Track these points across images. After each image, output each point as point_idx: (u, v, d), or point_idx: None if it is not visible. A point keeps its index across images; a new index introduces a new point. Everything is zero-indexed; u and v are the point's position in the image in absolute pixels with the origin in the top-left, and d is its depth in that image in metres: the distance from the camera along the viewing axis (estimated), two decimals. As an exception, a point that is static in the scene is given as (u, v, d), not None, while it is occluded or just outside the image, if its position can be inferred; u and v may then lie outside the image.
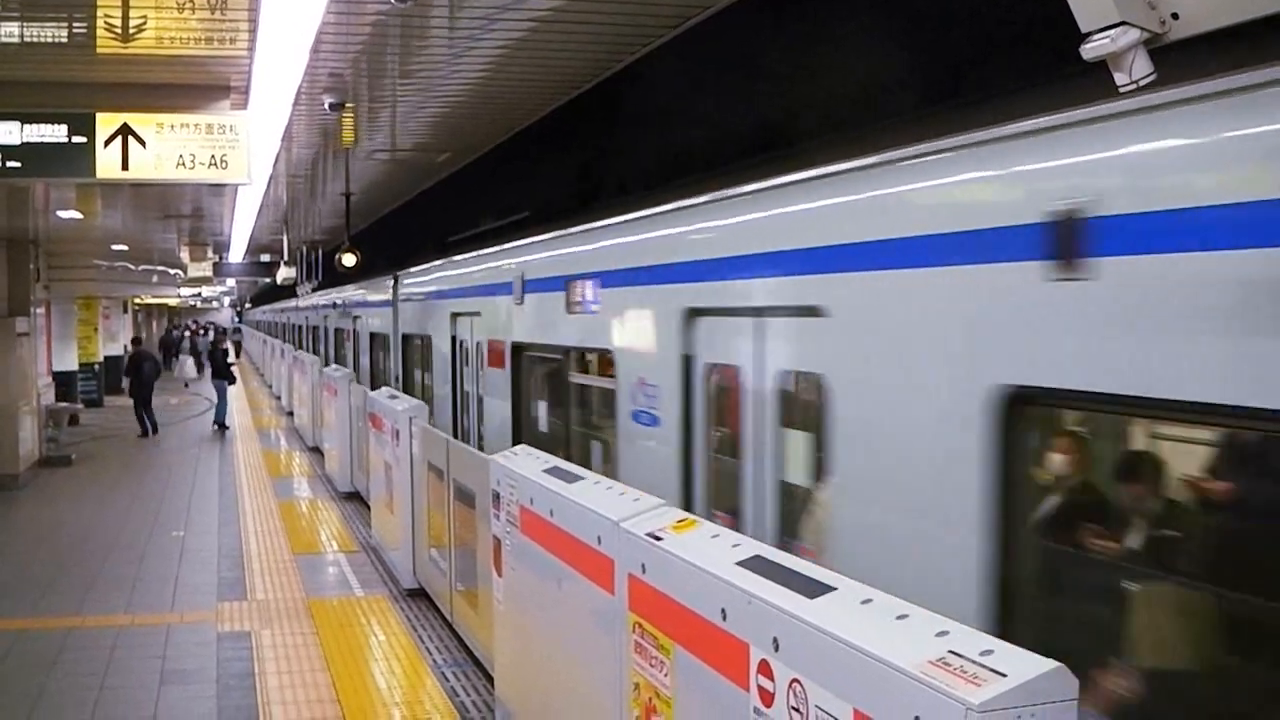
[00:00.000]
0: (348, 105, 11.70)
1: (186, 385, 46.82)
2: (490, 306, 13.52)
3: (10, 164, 9.66)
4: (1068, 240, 4.40)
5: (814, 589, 4.27)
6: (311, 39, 8.81)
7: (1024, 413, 4.82)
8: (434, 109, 12.40)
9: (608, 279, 9.76)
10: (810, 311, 6.41)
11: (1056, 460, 5.09)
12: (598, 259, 10.10)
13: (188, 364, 50.01)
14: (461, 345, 15.41)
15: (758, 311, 7.20)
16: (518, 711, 7.92)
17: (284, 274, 27.34)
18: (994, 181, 5.15)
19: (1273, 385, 3.63)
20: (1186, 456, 4.61)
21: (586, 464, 9.75)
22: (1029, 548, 4.95)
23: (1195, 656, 4.54)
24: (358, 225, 22.51)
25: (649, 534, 5.49)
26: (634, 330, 9.19)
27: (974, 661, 3.38)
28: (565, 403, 11.36)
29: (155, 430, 29.33)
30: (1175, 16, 3.58)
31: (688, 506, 7.88)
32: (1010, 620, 4.81)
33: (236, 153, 10.03)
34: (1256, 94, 3.66)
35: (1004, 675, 3.26)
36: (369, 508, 16.59)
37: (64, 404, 27.99)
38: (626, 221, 9.55)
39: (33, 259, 23.15)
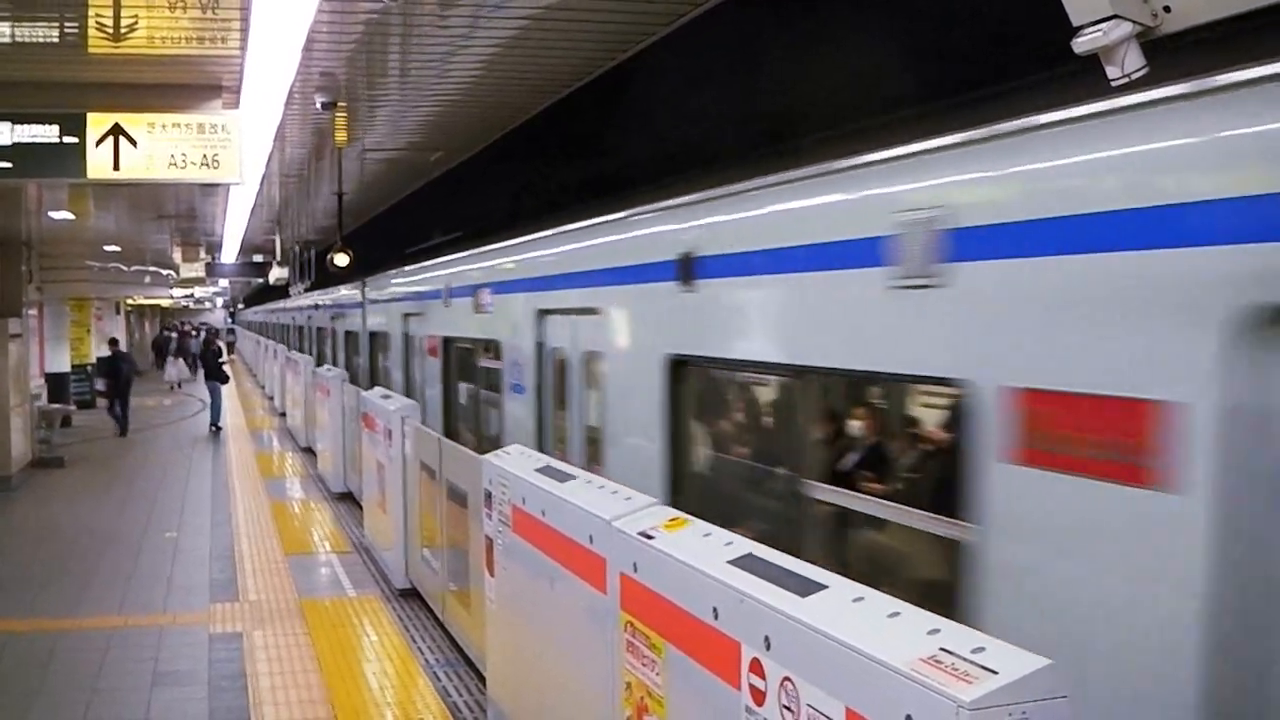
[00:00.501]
0: (340, 104, 11.69)
1: (178, 387, 46.36)
2: (429, 308, 17.16)
3: (1, 164, 9.64)
4: (686, 270, 7.92)
5: (805, 587, 4.27)
6: (303, 38, 8.79)
7: (678, 370, 8.24)
8: (426, 108, 12.40)
9: (497, 288, 13.21)
10: (592, 311, 9.91)
11: (695, 395, 8.44)
12: (492, 273, 13.48)
13: (175, 366, 49.51)
14: (410, 339, 18.93)
15: (571, 312, 10.61)
16: (510, 711, 7.91)
17: (277, 274, 27.31)
18: (650, 233, 8.93)
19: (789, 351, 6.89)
20: (759, 393, 8.42)
21: (489, 424, 14.02)
22: (685, 447, 8.44)
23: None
24: (351, 225, 22.52)
25: (641, 533, 5.48)
26: (511, 325, 12.47)
27: (965, 659, 3.37)
28: (476, 380, 14.95)
29: (125, 432, 29.34)
30: (1167, 10, 3.58)
31: (540, 448, 11.02)
32: (677, 490, 8.24)
33: (228, 152, 10.01)
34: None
35: (995, 672, 3.26)
36: (361, 508, 16.59)
37: (57, 405, 27.94)
38: (508, 245, 13.05)
39: (25, 260, 23.16)
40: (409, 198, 21.24)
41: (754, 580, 4.47)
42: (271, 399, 38.72)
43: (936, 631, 3.64)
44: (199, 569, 14.14)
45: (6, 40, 8.99)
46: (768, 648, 4.19)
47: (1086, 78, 4.16)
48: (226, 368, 34.47)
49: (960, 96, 6.19)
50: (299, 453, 26.02)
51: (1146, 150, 4.26)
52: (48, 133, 9.70)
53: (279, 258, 26.92)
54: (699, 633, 4.73)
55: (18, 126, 9.64)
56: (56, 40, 9.04)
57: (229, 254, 30.44)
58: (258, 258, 32.35)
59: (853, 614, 3.98)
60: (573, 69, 10.64)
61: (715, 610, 4.59)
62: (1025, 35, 6.11)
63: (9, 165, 9.67)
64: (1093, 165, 4.48)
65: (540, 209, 14.41)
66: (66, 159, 9.73)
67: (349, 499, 18.86)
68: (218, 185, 13.26)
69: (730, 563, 4.71)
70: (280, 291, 36.63)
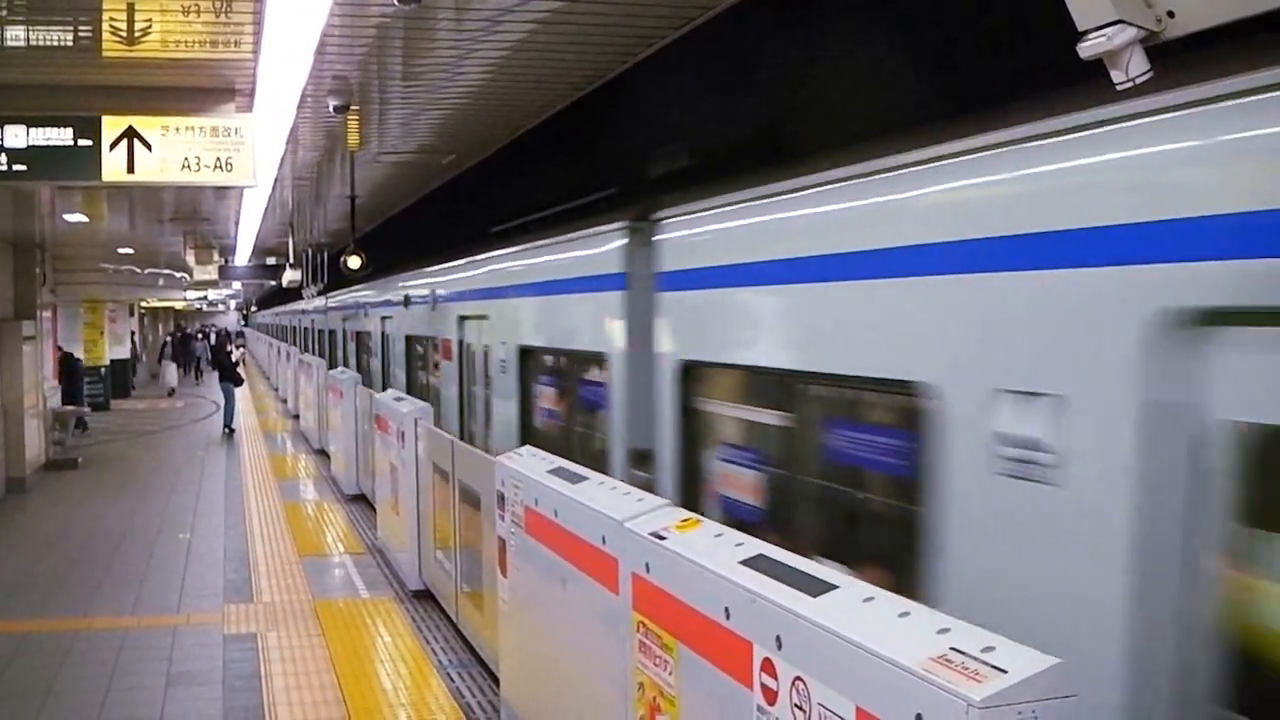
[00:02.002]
0: (352, 107, 11.71)
1: (171, 394, 45.88)
2: (397, 312, 21.73)
3: (16, 167, 9.68)
4: (524, 289, 12.44)
5: (816, 587, 4.29)
6: (316, 41, 8.82)
7: (528, 357, 12.32)
8: (439, 111, 12.42)
9: (438, 298, 17.58)
10: (485, 317, 14.35)
11: (533, 374, 12.50)
12: (435, 286, 17.81)
13: (169, 371, 48.92)
14: (386, 336, 23.68)
15: (475, 317, 15.06)
16: (523, 712, 7.93)
17: (290, 276, 27.34)
18: (518, 262, 13.12)
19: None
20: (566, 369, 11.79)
21: (435, 404, 16.39)
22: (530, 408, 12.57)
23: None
24: (364, 227, 22.56)
25: (653, 533, 5.51)
26: (445, 327, 16.87)
27: (975, 658, 3.39)
28: (429, 369, 19.27)
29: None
30: (1171, 15, 3.59)
31: (463, 422, 15.82)
32: (525, 436, 12.15)
33: (241, 155, 10.04)
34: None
35: (1005, 671, 3.28)
36: (375, 510, 16.64)
37: (70, 407, 28.00)
38: (446, 266, 17.34)
39: (39, 262, 23.21)
40: (422, 200, 21.25)
41: (765, 580, 4.49)
42: (285, 401, 38.78)
43: (946, 631, 3.66)
44: (213, 570, 14.19)
45: (21, 44, 9.02)
46: (779, 647, 4.21)
47: (1086, 85, 4.19)
48: (240, 370, 34.51)
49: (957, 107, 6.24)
50: (312, 455, 26.06)
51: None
52: (62, 136, 9.74)
53: (292, 260, 26.96)
54: (711, 633, 4.75)
55: (33, 129, 9.68)
56: (71, 44, 9.07)
57: (242, 256, 30.47)
58: (271, 260, 32.42)
59: (863, 614, 4.00)
60: (585, 72, 10.65)
61: (727, 610, 4.61)
62: (1025, 45, 6.15)
63: (24, 168, 9.71)
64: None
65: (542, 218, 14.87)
66: (81, 162, 9.76)
67: (362, 500, 18.90)
68: (231, 188, 13.30)
69: (742, 563, 4.73)
70: (293, 294, 36.99)
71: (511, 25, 9.06)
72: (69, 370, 31.02)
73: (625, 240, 9.33)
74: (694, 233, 8.32)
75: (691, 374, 8.24)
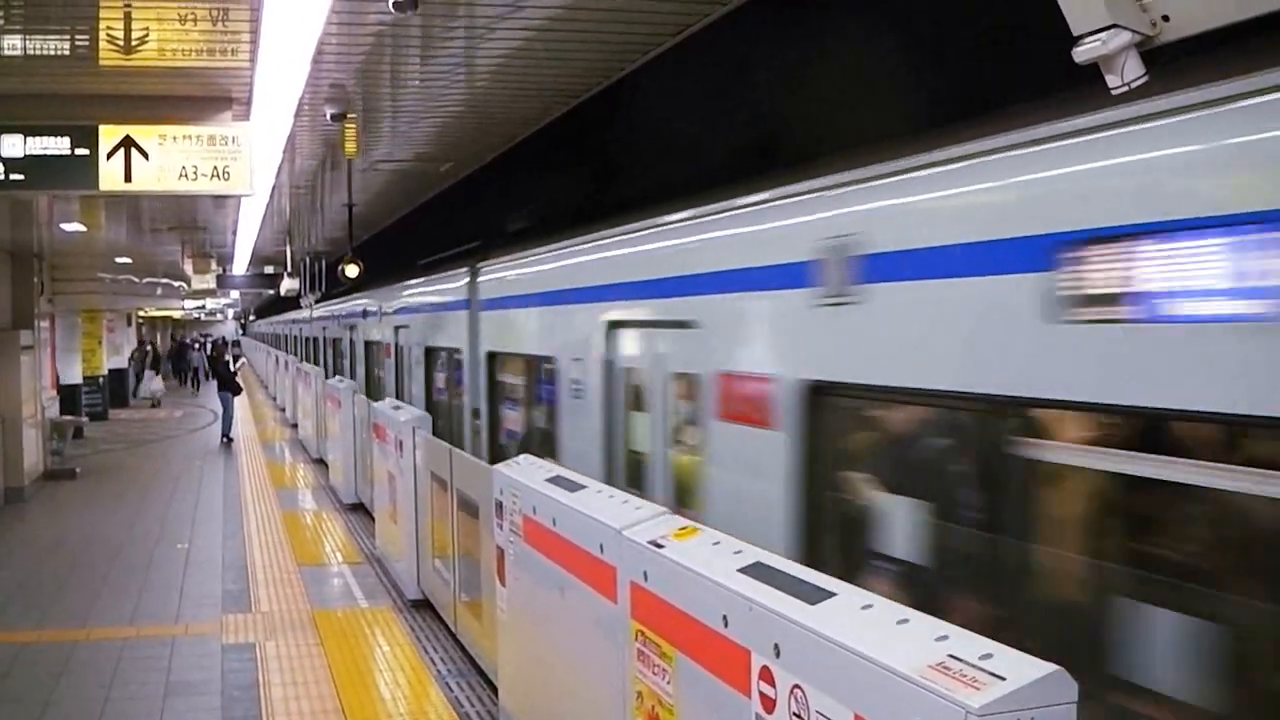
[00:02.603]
0: (349, 116, 11.71)
1: (155, 405, 45.57)
2: (360, 323, 26.96)
3: (14, 176, 9.67)
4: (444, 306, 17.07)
5: (814, 595, 4.29)
6: (313, 49, 8.82)
7: (493, 360, 14.31)
8: (436, 119, 12.42)
9: (382, 312, 23.12)
10: (408, 327, 19.71)
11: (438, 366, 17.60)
12: (381, 303, 23.29)
13: (154, 382, 48.48)
14: (352, 342, 28.71)
15: (403, 327, 20.48)
16: (522, 720, 7.95)
17: (288, 285, 27.36)
18: (421, 290, 19.48)
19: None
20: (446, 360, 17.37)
21: (400, 394, 20.41)
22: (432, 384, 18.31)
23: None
24: (361, 236, 22.56)
25: (651, 542, 5.50)
26: (383, 334, 22.70)
27: (973, 665, 3.39)
28: (384, 367, 23.07)
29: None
30: (1166, 19, 3.60)
31: (429, 408, 17.06)
32: (430, 402, 17.98)
33: (239, 164, 10.04)
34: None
35: (1003, 679, 3.28)
36: (373, 519, 16.62)
37: (68, 417, 27.98)
38: (388, 288, 22.64)
39: (36, 272, 23.21)
40: (420, 208, 21.27)
41: (763, 588, 4.49)
42: (283, 410, 38.78)
43: (945, 638, 3.65)
44: (211, 580, 14.17)
45: (18, 53, 9.02)
46: (777, 655, 4.21)
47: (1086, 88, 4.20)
48: (239, 378, 34.51)
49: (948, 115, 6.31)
50: (310, 464, 26.05)
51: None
52: (59, 145, 9.73)
53: (290, 269, 26.96)
54: (709, 641, 4.75)
55: (30, 139, 9.67)
56: (68, 53, 9.08)
57: (240, 265, 30.46)
58: (269, 269, 32.41)
59: (861, 621, 4.00)
60: (581, 80, 10.66)
61: (725, 618, 4.60)
62: (1019, 52, 6.18)
63: (21, 177, 9.70)
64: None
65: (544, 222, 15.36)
66: (78, 171, 9.75)
67: (360, 510, 18.88)
68: (228, 197, 13.30)
69: (740, 571, 4.73)
70: (290, 303, 37.48)
71: (507, 33, 9.07)
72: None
73: (468, 280, 15.38)
74: (490, 277, 14.51)
75: (493, 359, 14.38)
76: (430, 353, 18.23)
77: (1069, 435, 4.79)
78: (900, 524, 5.95)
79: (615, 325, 9.66)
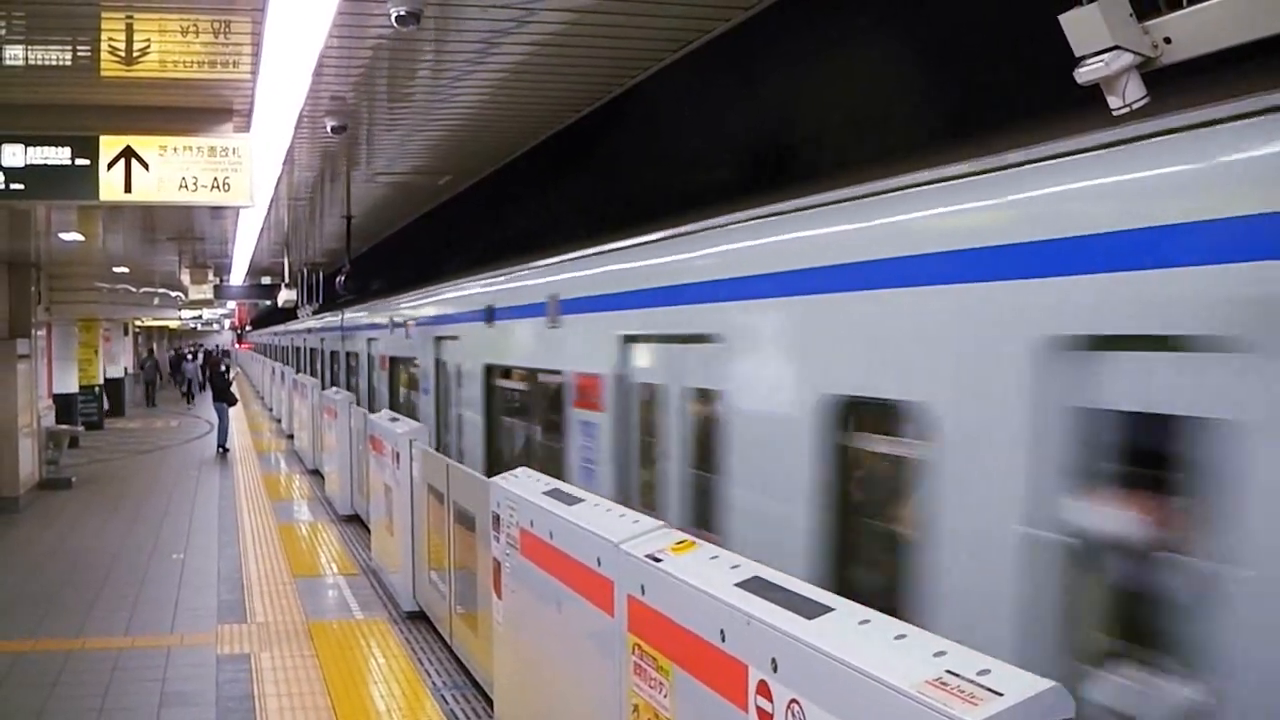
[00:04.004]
0: (349, 128, 11.73)
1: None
2: (351, 337, 27.20)
3: (14, 186, 9.68)
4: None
5: (812, 609, 4.29)
6: (314, 63, 8.85)
7: (394, 361, 20.63)
8: (434, 132, 12.44)
9: (356, 325, 25.52)
10: (377, 340, 22.74)
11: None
12: (354, 318, 25.97)
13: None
14: (348, 354, 28.36)
15: (374, 339, 23.02)
16: (517, 733, 7.96)
17: (285, 296, 27.40)
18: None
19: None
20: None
21: (396, 405, 20.51)
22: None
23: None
24: (360, 248, 22.58)
25: (649, 555, 5.51)
26: (358, 344, 25.43)
27: (971, 681, 3.40)
28: (378, 377, 23.28)
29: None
30: (1168, 41, 3.62)
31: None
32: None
33: (239, 175, 10.05)
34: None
35: (1000, 695, 3.28)
36: (369, 530, 16.62)
37: (64, 426, 27.93)
38: (363, 306, 25.20)
39: (34, 281, 23.21)
40: (417, 221, 21.28)
41: (761, 603, 4.49)
42: (279, 421, 38.78)
43: (943, 654, 3.66)
44: (207, 590, 14.16)
45: (20, 63, 9.04)
46: (775, 670, 4.21)
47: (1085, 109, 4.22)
48: (234, 389, 34.51)
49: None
50: (306, 475, 26.04)
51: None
52: (60, 155, 9.75)
53: (287, 280, 26.99)
54: (706, 655, 4.75)
55: (31, 148, 9.68)
56: (69, 63, 9.11)
57: (238, 276, 30.51)
58: (266, 280, 32.44)
59: (859, 636, 4.00)
60: (581, 94, 10.68)
61: (722, 633, 4.61)
62: (1023, 71, 6.20)
63: (22, 187, 9.71)
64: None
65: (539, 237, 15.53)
66: (79, 181, 9.77)
67: (356, 521, 18.87)
68: (227, 208, 13.32)
69: (737, 585, 4.73)
70: (287, 314, 37.97)
71: (508, 48, 9.10)
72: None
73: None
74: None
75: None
76: (395, 360, 21.39)
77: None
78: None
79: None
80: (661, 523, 6.15)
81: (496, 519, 8.16)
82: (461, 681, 10.38)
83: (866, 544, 6.23)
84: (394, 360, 21.39)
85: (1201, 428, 3.92)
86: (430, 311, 17.59)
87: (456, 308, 15.68)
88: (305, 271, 28.07)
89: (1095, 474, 4.43)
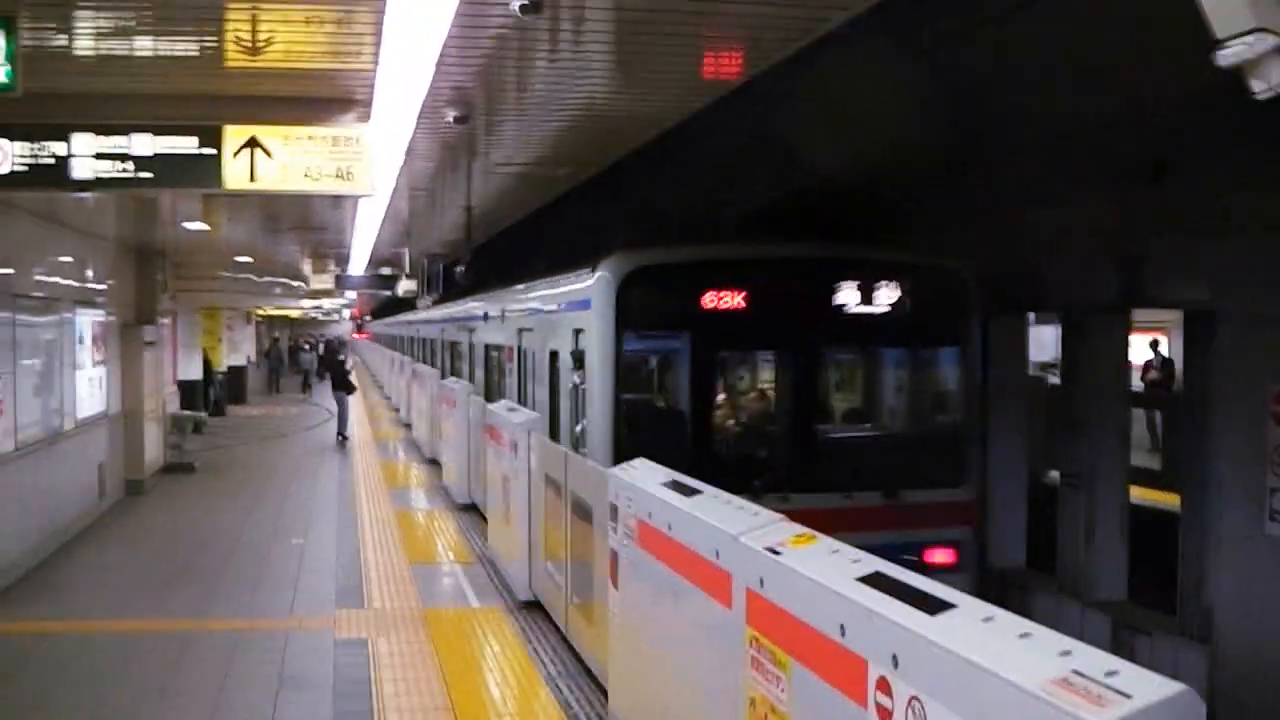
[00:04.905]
0: (470, 118, 11.75)
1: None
2: (463, 327, 28.05)
3: (143, 174, 9.80)
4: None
5: (934, 606, 4.24)
6: (436, 53, 8.87)
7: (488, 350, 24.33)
8: (555, 122, 12.42)
9: (453, 319, 30.67)
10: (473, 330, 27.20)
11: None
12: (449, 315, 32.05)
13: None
14: (454, 343, 30.77)
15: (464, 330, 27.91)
16: (631, 724, 7.96)
17: (405, 286, 27.61)
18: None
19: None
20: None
21: (457, 370, 28.61)
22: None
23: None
24: (478, 239, 22.70)
25: (768, 548, 5.47)
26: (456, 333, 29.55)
27: (1098, 682, 3.33)
28: (479, 363, 25.31)
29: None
30: None
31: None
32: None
33: (360, 165, 10.10)
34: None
35: (1129, 697, 3.21)
36: (485, 520, 16.71)
37: (188, 412, 28.41)
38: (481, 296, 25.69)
39: (160, 269, 23.61)
40: (536, 213, 21.33)
41: (882, 598, 4.45)
42: (397, 410, 39.21)
43: (1069, 654, 3.59)
44: (325, 575, 14.33)
45: (149, 54, 9.17)
46: (895, 666, 4.17)
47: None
48: (352, 377, 34.91)
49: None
50: (424, 464, 26.27)
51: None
52: (187, 144, 9.85)
53: (408, 270, 27.21)
54: (825, 649, 4.71)
55: (158, 138, 9.81)
56: (196, 54, 9.21)
57: (357, 266, 30.79)
58: (386, 270, 32.74)
59: (982, 633, 3.95)
60: (703, 86, 10.59)
61: (842, 627, 4.57)
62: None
63: (150, 175, 9.83)
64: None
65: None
66: (204, 170, 9.87)
67: (473, 510, 18.98)
68: (348, 198, 13.42)
69: (858, 580, 4.69)
70: (406, 304, 39.00)
71: (630, 36, 9.04)
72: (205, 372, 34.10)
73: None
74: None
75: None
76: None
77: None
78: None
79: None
80: (779, 516, 6.11)
81: (614, 509, 8.16)
82: (575, 671, 10.39)
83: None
84: (488, 347, 23.21)
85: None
86: (515, 306, 19.13)
87: (529, 305, 17.33)
88: (425, 262, 28.28)
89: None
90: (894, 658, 4.19)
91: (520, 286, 19.19)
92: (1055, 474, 14.90)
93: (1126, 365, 13.92)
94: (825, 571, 4.94)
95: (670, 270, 13.13)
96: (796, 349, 13.28)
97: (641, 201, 18.02)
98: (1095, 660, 3.51)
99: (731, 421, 13.84)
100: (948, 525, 12.87)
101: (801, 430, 13.25)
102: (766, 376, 14.93)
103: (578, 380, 13.55)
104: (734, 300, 12.59)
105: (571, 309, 14.31)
